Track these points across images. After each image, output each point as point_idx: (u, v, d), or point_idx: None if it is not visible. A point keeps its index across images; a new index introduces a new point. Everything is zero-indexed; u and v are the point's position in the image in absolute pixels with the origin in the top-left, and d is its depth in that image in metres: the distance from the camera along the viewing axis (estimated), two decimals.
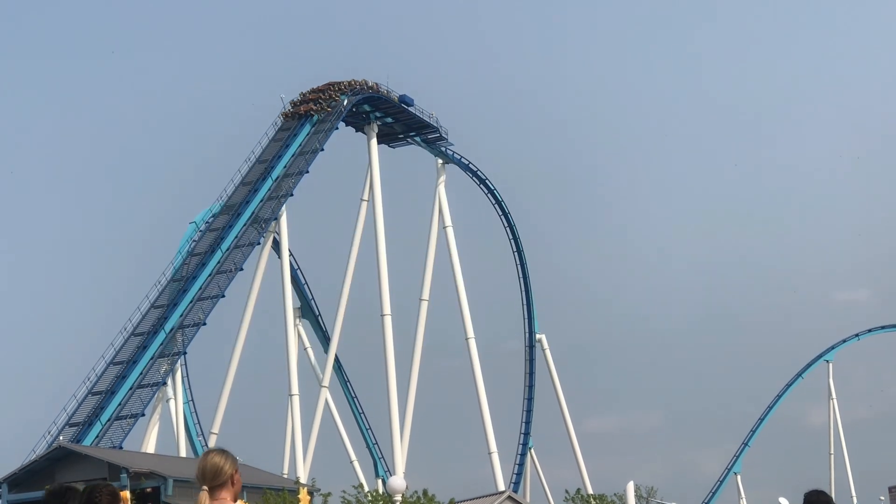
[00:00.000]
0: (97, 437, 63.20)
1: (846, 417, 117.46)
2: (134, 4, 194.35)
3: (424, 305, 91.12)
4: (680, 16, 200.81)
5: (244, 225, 75.40)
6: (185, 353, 70.58)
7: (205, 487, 7.96)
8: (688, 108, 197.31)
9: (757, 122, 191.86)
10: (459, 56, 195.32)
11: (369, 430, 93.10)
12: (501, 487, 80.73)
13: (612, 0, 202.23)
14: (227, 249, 73.77)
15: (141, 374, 67.01)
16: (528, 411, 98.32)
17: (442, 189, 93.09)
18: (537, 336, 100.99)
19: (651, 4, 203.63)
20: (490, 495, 72.73)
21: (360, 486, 69.37)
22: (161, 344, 68.45)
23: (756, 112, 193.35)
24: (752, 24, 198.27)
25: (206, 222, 77.05)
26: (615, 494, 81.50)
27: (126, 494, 52.65)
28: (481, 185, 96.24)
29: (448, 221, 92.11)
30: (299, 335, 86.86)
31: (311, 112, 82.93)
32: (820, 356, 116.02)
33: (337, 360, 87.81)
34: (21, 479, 58.19)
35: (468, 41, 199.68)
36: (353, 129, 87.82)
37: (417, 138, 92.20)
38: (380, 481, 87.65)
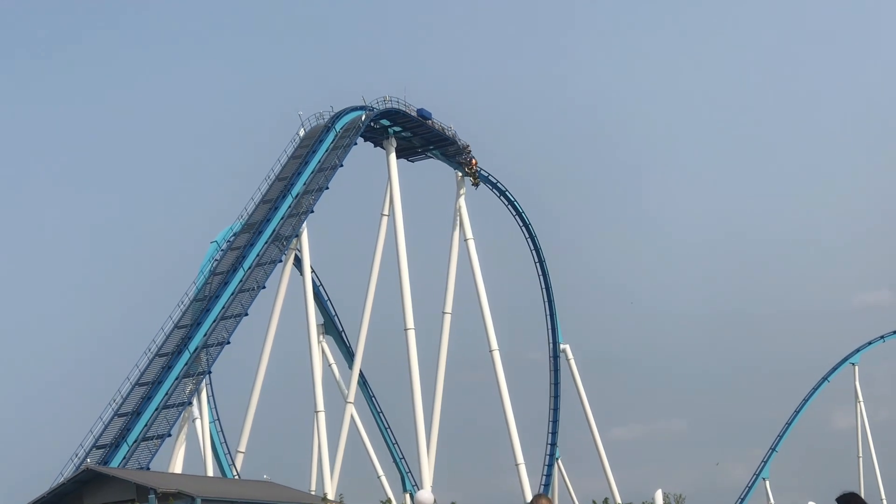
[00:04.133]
0: (124, 458, 63.23)
1: (874, 420, 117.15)
2: (149, 24, 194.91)
3: (448, 318, 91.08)
4: (690, 14, 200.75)
5: (265, 243, 75.41)
6: (209, 373, 70.55)
7: None
8: (706, 111, 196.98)
9: (775, 124, 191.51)
10: (473, 65, 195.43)
11: (396, 445, 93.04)
12: (529, 499, 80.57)
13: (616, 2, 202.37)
14: (250, 268, 73.80)
15: (166, 394, 67.05)
16: (555, 422, 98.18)
17: (462, 202, 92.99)
18: (561, 346, 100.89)
19: (650, 7, 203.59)
20: None
21: (388, 500, 69.46)
22: (186, 364, 68.46)
23: (774, 114, 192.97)
24: (768, 23, 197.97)
25: (228, 241, 77.11)
26: (644, 503, 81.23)
27: None
28: (501, 197, 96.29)
29: (469, 234, 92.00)
30: (323, 351, 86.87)
31: None
32: (845, 359, 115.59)
33: (362, 375, 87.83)
34: (49, 502, 58.31)
35: (480, 49, 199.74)
36: (372, 145, 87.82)
37: (436, 152, 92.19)
38: (407, 496, 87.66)
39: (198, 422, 71.35)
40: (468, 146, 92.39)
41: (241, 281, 73.05)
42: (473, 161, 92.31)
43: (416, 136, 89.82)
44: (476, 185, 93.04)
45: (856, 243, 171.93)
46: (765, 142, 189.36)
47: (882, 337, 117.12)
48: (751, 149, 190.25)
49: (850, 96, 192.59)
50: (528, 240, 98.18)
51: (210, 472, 71.26)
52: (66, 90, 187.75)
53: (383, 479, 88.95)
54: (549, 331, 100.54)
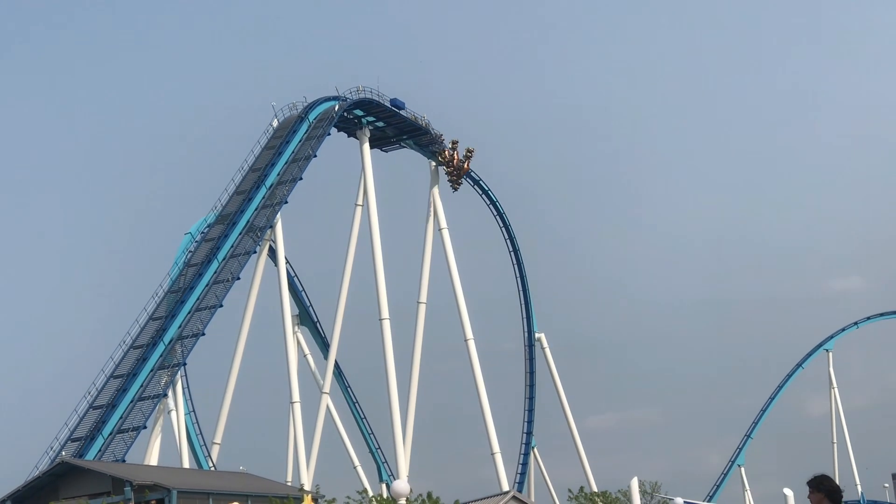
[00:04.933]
0: (100, 451, 63.07)
1: (847, 406, 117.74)
2: (119, 17, 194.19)
3: (422, 308, 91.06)
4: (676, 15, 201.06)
5: (240, 234, 75.25)
6: (184, 364, 70.44)
7: None
8: (694, 106, 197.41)
9: (752, 120, 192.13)
10: (445, 55, 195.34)
11: (371, 435, 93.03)
12: (506, 488, 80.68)
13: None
14: (224, 259, 73.64)
15: (141, 386, 66.87)
16: (530, 411, 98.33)
17: (436, 191, 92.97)
18: (536, 335, 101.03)
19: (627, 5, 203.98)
20: (495, 496, 72.65)
21: (364, 491, 69.43)
22: (160, 356, 68.30)
23: (751, 112, 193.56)
24: (757, 25, 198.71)
25: (202, 232, 76.91)
26: (619, 491, 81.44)
27: None
28: (475, 186, 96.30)
29: (443, 224, 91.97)
30: (298, 342, 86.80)
31: None
32: (820, 345, 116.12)
33: (337, 365, 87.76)
34: (25, 496, 58.17)
35: (453, 41, 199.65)
36: (346, 135, 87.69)
37: (410, 141, 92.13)
38: (384, 486, 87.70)
39: (173, 413, 71.20)
40: (471, 150, 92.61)
41: (215, 272, 72.89)
42: (466, 166, 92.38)
43: (389, 125, 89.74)
44: (456, 188, 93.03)
45: (825, 232, 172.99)
46: (740, 136, 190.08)
47: (856, 323, 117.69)
48: (727, 143, 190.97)
49: (838, 97, 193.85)
50: (503, 229, 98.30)
51: (186, 464, 71.15)
52: (44, 87, 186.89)
53: (359, 469, 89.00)
54: (524, 320, 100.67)
